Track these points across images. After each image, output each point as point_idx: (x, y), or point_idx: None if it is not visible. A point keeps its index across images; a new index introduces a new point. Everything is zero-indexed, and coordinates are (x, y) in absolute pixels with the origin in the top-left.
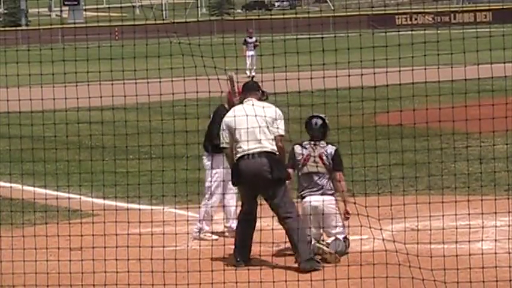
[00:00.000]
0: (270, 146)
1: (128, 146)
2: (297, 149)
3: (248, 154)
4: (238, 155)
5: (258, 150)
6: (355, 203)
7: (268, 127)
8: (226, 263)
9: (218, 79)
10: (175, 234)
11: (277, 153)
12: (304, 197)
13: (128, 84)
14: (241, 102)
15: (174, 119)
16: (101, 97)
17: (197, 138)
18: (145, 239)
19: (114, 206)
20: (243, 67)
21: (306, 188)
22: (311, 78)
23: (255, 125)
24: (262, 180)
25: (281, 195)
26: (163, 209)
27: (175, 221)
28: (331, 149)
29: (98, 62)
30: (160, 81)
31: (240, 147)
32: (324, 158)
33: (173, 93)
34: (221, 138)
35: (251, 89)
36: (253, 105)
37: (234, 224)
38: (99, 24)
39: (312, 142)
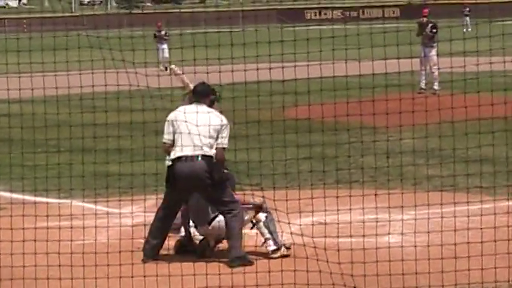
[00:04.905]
0: (209, 151)
1: (35, 139)
2: None
3: (186, 156)
4: (174, 157)
5: (195, 153)
6: (263, 197)
7: (209, 136)
8: (134, 256)
9: (127, 72)
10: (83, 228)
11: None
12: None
13: (35, 77)
14: (192, 102)
15: (82, 112)
16: (7, 90)
17: (105, 132)
18: (53, 232)
19: (21, 200)
20: (153, 61)
21: None
22: (219, 72)
23: (196, 132)
24: (199, 184)
25: (220, 195)
26: (71, 202)
27: (83, 214)
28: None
29: (4, 54)
30: (68, 74)
31: (177, 150)
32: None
33: (81, 86)
34: (165, 134)
35: (202, 94)
36: (197, 112)
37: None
38: (6, 16)
39: None
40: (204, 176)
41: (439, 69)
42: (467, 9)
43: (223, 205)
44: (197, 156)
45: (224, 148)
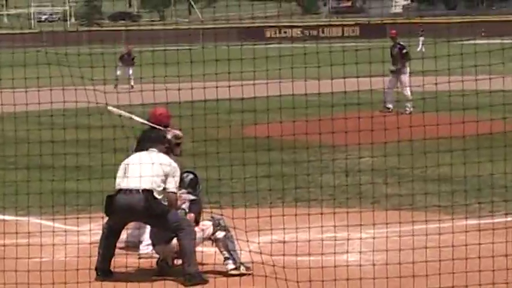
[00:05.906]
0: (151, 186)
1: None
2: None
3: (126, 189)
4: (117, 188)
5: (136, 186)
6: (221, 215)
7: (156, 174)
8: (92, 275)
9: (85, 89)
10: (41, 245)
11: (158, 196)
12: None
13: None
14: (142, 149)
15: (40, 129)
16: None
17: (64, 149)
18: (10, 250)
19: None
20: (111, 77)
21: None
22: (179, 89)
23: (143, 167)
24: (136, 216)
25: (163, 223)
26: (28, 220)
27: (41, 232)
28: (191, 197)
29: None
30: (26, 91)
31: (120, 181)
32: (183, 203)
33: (39, 103)
34: (117, 179)
35: (155, 140)
36: (148, 153)
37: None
38: None
39: None
40: (139, 210)
41: (408, 87)
42: (421, 29)
43: (170, 229)
44: (137, 190)
45: (174, 192)
